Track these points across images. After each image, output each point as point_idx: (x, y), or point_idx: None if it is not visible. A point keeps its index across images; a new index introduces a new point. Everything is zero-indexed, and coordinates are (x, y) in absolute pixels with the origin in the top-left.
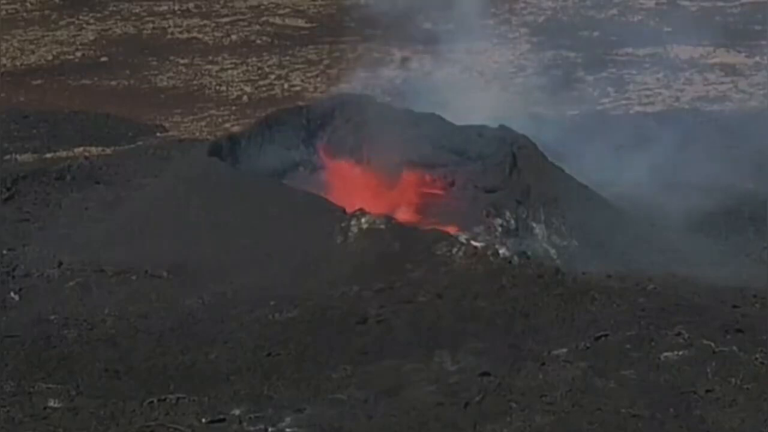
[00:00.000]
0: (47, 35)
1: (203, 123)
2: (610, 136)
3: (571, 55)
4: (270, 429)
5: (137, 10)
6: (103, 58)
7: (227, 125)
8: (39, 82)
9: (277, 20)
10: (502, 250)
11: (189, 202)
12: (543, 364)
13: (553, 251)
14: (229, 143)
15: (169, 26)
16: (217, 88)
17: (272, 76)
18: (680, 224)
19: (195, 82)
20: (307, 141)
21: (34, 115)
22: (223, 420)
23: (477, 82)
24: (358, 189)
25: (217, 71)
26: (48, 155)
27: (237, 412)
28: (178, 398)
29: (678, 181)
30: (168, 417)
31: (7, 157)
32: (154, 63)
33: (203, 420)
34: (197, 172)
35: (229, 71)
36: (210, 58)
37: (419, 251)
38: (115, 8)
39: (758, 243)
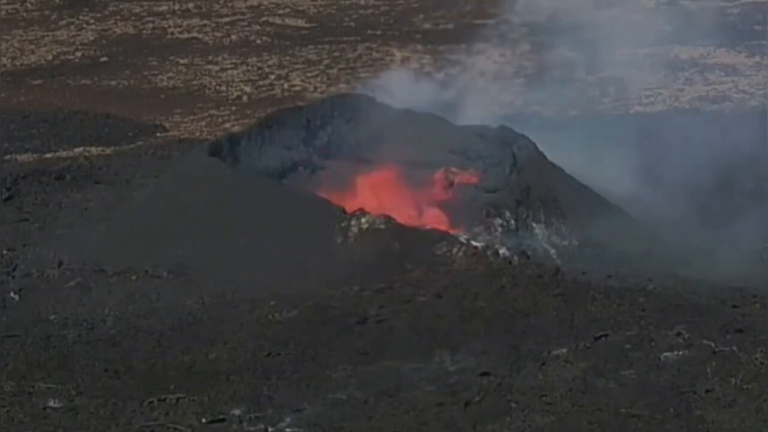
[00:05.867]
0: (47, 35)
1: (203, 123)
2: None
3: (571, 55)
4: (270, 429)
5: (137, 10)
6: (103, 58)
7: (227, 125)
8: (39, 82)
9: (277, 20)
10: (502, 250)
11: (189, 202)
12: (543, 364)
13: (553, 251)
14: (229, 143)
15: (169, 26)
16: (217, 88)
17: (272, 76)
18: (680, 224)
19: (195, 82)
20: (307, 141)
21: (34, 115)
22: (223, 420)
23: (477, 82)
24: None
25: (217, 71)
26: (48, 155)
27: (237, 412)
28: (178, 398)
29: (678, 181)
30: (168, 417)
31: (7, 157)
32: (154, 63)
33: (203, 420)
34: (197, 172)
35: (229, 71)
36: (210, 58)
37: (419, 251)
38: (115, 8)
39: (758, 243)
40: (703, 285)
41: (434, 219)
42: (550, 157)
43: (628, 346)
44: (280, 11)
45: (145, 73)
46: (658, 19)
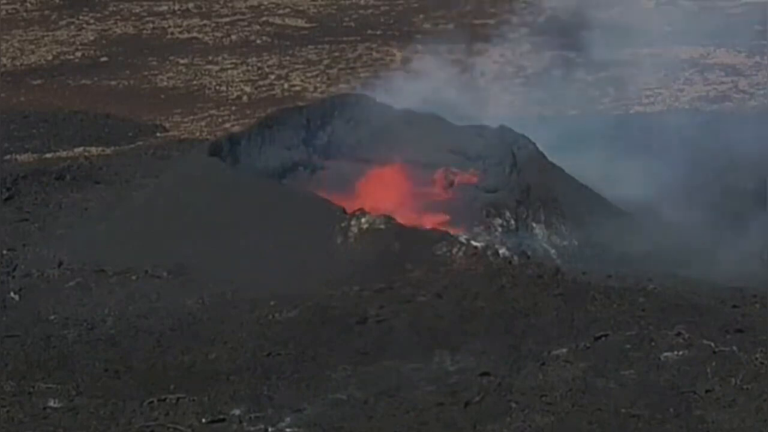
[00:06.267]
0: (47, 35)
1: (203, 123)
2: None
3: (571, 55)
4: (270, 429)
5: (137, 10)
6: (103, 58)
7: (227, 125)
8: (39, 82)
9: (277, 20)
10: (502, 250)
11: (189, 202)
12: (543, 364)
13: (553, 251)
14: (229, 143)
15: (169, 26)
16: (217, 88)
17: (272, 76)
18: (680, 224)
19: (195, 82)
20: (307, 141)
21: (34, 115)
22: (223, 420)
23: (478, 83)
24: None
25: (217, 71)
26: (48, 155)
27: (237, 412)
28: (178, 398)
29: (678, 182)
30: (168, 417)
31: (7, 157)
32: (154, 63)
33: (203, 420)
34: (197, 172)
35: (229, 71)
36: (210, 58)
37: (419, 251)
38: (115, 8)
39: (758, 243)
40: (703, 285)
41: (434, 219)
42: (549, 157)
43: (628, 346)
44: (280, 11)
45: (145, 73)
46: (658, 19)
